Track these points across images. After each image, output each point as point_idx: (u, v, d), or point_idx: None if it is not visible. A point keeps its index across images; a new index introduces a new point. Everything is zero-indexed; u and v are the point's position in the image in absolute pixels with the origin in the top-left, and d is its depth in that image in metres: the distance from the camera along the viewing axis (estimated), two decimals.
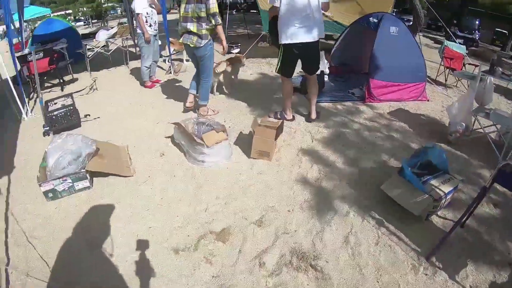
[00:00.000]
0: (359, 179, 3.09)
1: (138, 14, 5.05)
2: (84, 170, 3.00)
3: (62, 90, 6.08)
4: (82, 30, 15.22)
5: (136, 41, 5.52)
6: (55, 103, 4.68)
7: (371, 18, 5.00)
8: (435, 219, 2.62)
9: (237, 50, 7.55)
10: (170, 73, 6.43)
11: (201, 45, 3.86)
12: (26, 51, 6.43)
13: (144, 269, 2.21)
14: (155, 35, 5.45)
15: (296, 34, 3.51)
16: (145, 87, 5.81)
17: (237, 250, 2.33)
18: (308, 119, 4.17)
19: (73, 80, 6.64)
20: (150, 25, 5.28)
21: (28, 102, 5.47)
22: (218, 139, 3.27)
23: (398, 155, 3.48)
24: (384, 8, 6.37)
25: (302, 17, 3.44)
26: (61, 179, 2.90)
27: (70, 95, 4.81)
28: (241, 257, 2.28)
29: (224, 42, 4.08)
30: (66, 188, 2.93)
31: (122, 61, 7.53)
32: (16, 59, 4.99)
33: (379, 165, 3.32)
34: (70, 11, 18.82)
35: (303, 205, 2.77)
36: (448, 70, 5.64)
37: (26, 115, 4.90)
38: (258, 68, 6.55)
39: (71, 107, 4.34)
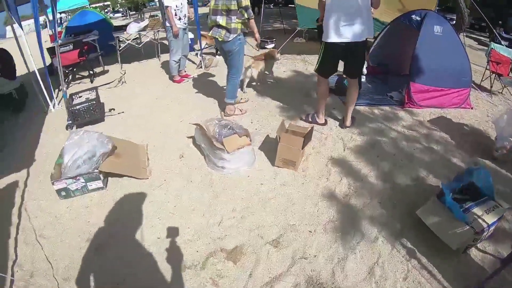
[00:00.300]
0: (392, 198, 2.79)
1: (167, 7, 4.97)
2: (97, 170, 2.94)
3: (91, 82, 6.19)
4: (119, 22, 15.74)
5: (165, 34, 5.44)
6: (80, 96, 4.70)
7: (413, 16, 4.59)
8: (473, 252, 2.28)
9: (271, 46, 7.32)
10: (201, 67, 6.34)
11: (229, 39, 3.71)
12: (59, 42, 6.63)
13: (146, 284, 2.09)
14: (184, 29, 5.35)
15: (341, 31, 3.22)
16: (173, 82, 5.75)
17: (248, 274, 2.13)
18: (342, 125, 3.88)
19: (103, 72, 6.76)
20: (180, 18, 5.18)
21: (57, 94, 5.61)
22: (240, 144, 3.09)
23: (437, 171, 3.12)
24: (427, 5, 5.87)
25: (349, 13, 3.13)
26: (74, 179, 2.86)
27: (95, 88, 4.83)
28: (250, 282, 2.07)
29: (257, 35, 3.98)
30: (79, 188, 2.90)
31: (154, 54, 7.57)
32: (44, 51, 5.05)
33: (415, 182, 2.99)
34: (109, 2, 19.42)
35: (327, 225, 2.52)
36: (494, 75, 5.09)
37: (53, 107, 5.00)
38: (292, 65, 6.29)
39: (94, 102, 4.34)
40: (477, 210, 2.29)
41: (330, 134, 3.77)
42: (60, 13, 13.07)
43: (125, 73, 6.17)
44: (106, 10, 18.20)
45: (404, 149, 3.50)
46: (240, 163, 3.12)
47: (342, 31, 3.21)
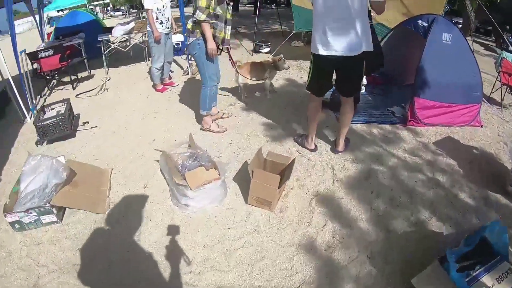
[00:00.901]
0: (385, 251, 2.29)
1: (146, 9, 4.50)
2: (49, 204, 2.60)
3: (74, 88, 5.80)
4: (119, 20, 15.28)
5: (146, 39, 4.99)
6: (52, 109, 4.33)
7: (420, 21, 4.02)
8: None
9: (266, 50, 6.80)
10: (188, 74, 5.86)
11: (189, 42, 3.38)
12: (42, 46, 6.25)
13: None
14: (167, 34, 4.87)
15: (330, 43, 2.66)
16: (156, 91, 5.30)
17: None
18: (334, 149, 3.37)
19: (89, 77, 6.38)
20: (161, 23, 4.70)
21: (38, 101, 5.25)
22: (206, 179, 2.61)
23: (442, 211, 2.61)
24: (434, 8, 5.25)
25: (340, 20, 2.58)
26: (26, 212, 2.56)
27: (67, 101, 4.42)
28: None
29: (209, 43, 3.26)
30: (33, 221, 2.60)
31: (143, 57, 7.13)
32: (19, 56, 4.64)
33: (414, 228, 2.48)
34: (108, 0, 18.94)
35: None
36: (506, 87, 4.50)
37: (30, 118, 4.63)
38: (286, 72, 5.74)
39: (62, 117, 3.92)
40: (486, 279, 1.88)
41: (319, 161, 3.26)
42: (58, 11, 12.73)
43: (107, 79, 5.74)
44: (107, 8, 17.74)
45: (404, 181, 2.98)
46: (207, 200, 2.66)
47: (331, 42, 2.67)
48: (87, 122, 4.41)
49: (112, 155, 3.58)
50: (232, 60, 4.17)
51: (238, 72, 4.35)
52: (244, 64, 4.50)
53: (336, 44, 2.66)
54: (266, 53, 6.74)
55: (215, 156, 3.36)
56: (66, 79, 5.99)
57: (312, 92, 3.12)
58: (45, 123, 3.87)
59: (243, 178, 2.96)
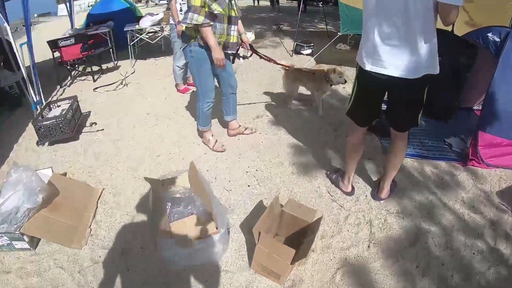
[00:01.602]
0: None
1: (170, 0, 3.90)
2: (19, 232, 2.21)
3: (94, 81, 5.40)
4: (162, 9, 14.84)
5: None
6: (58, 106, 3.94)
7: (490, 35, 3.06)
8: None
9: (308, 51, 6.01)
10: None
11: (181, 48, 2.82)
12: (68, 33, 5.92)
13: None
14: None
15: (380, 55, 1.89)
16: (177, 91, 4.73)
17: None
18: (375, 195, 2.59)
19: (114, 68, 5.98)
20: None
21: (57, 92, 5.04)
22: (197, 235, 1.98)
23: None
24: (502, 19, 4.15)
25: (396, 25, 1.78)
26: None
27: (73, 98, 3.97)
28: None
29: (214, 52, 2.60)
30: (5, 244, 2.29)
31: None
32: (18, 49, 4.23)
33: None
34: None
35: None
36: None
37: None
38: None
39: (62, 118, 3.46)
40: None
41: (355, 210, 2.51)
42: None
43: (126, 75, 5.26)
44: None
45: (459, 252, 2.19)
46: (198, 260, 2.02)
47: (382, 56, 1.90)
48: (95, 123, 3.98)
49: (108, 170, 3.10)
50: (268, 57, 3.45)
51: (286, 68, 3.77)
52: (295, 69, 3.83)
53: (387, 59, 1.88)
54: (307, 55, 5.95)
55: (224, 188, 2.72)
56: (92, 69, 5.63)
57: (353, 120, 2.35)
58: (44, 123, 3.48)
59: (254, 224, 2.29)
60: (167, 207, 2.15)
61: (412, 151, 3.21)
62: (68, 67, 5.38)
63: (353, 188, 2.64)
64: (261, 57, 3.37)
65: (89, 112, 4.28)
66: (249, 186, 2.76)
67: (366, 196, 2.63)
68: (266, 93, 4.51)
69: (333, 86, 4.60)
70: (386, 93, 2.20)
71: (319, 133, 3.53)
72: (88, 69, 5.63)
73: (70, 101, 3.87)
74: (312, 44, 6.02)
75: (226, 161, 3.09)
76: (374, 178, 2.81)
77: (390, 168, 2.40)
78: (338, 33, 5.10)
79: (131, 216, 2.55)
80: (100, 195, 2.77)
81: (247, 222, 2.41)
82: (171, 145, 3.40)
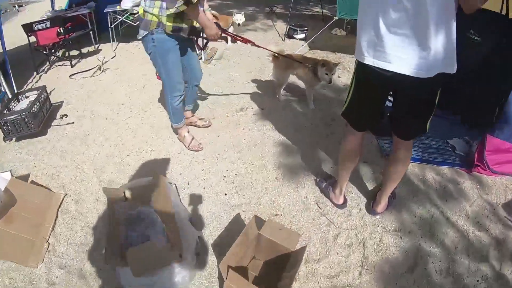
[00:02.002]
0: None
1: None
2: None
3: (72, 66, 4.91)
4: None
5: None
6: (27, 97, 3.51)
7: None
8: None
9: (301, 36, 5.48)
10: (201, 59, 4.74)
11: (140, 37, 2.25)
12: (46, 15, 5.38)
13: None
14: None
15: (385, 47, 1.46)
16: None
17: None
18: (371, 209, 2.20)
19: (95, 52, 5.45)
20: None
21: (32, 79, 4.53)
22: (156, 263, 1.58)
23: None
24: None
25: (403, 11, 1.36)
26: None
27: (41, 88, 3.51)
28: None
29: (210, 29, 2.27)
30: None
31: None
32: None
33: None
34: None
35: None
36: None
37: None
38: None
39: (27, 112, 3.02)
40: None
41: (346, 227, 2.13)
42: None
43: (104, 61, 4.75)
44: None
45: (462, 279, 1.86)
46: None
47: (387, 48, 1.47)
48: (66, 116, 3.54)
49: (73, 171, 2.71)
50: (238, 37, 2.88)
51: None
52: (285, 55, 3.36)
53: (393, 52, 1.46)
54: (300, 39, 5.43)
55: (197, 197, 2.32)
56: (72, 53, 5.14)
57: (349, 122, 1.93)
58: (8, 118, 3.04)
59: (229, 244, 1.90)
60: (124, 229, 1.75)
61: (413, 154, 2.80)
62: (45, 52, 4.86)
63: (345, 199, 2.25)
64: (235, 39, 2.93)
65: (62, 102, 3.82)
66: (226, 194, 2.37)
67: (360, 209, 2.24)
68: (254, 81, 4.06)
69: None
70: (387, 93, 1.77)
71: (310, 129, 3.11)
72: (71, 53, 5.12)
73: (37, 92, 3.41)
74: (306, 28, 5.50)
75: (203, 162, 2.68)
76: (370, 187, 2.42)
77: (390, 181, 2.00)
78: (334, 17, 4.60)
79: (92, 229, 2.20)
80: (61, 202, 2.41)
81: (221, 240, 2.03)
82: (143, 142, 2.98)
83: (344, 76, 4.17)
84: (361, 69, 1.67)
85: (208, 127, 3.10)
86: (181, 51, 2.37)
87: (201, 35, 2.46)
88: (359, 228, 2.11)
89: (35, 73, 4.80)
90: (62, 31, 4.92)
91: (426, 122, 1.72)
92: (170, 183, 2.12)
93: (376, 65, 1.53)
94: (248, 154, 2.76)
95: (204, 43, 2.77)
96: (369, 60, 1.55)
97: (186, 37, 2.31)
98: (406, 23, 1.38)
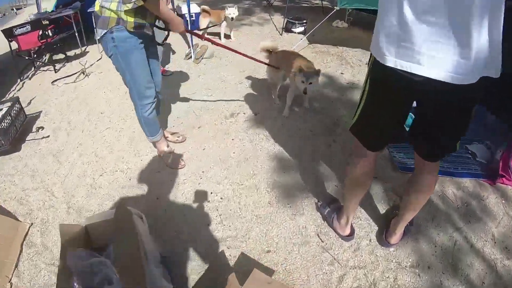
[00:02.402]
0: None
1: None
2: None
3: (56, 71, 4.52)
4: None
5: None
6: (0, 109, 3.10)
7: None
8: None
9: (300, 29, 4.99)
10: (190, 57, 4.30)
11: (98, 38, 1.86)
12: (30, 18, 4.99)
13: None
14: None
15: (414, 43, 1.03)
16: None
17: None
18: (383, 240, 1.77)
19: (81, 55, 5.05)
20: None
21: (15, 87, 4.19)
22: None
23: None
24: None
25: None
26: None
27: (14, 100, 3.13)
28: None
29: (177, 26, 1.94)
30: None
31: None
32: None
33: None
34: None
35: None
36: None
37: None
38: (322, 62, 4.00)
39: None
40: None
41: (353, 265, 1.72)
42: None
43: (85, 65, 4.36)
44: None
45: None
46: None
47: (418, 43, 1.02)
48: (42, 128, 3.18)
49: (42, 195, 2.34)
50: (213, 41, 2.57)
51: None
52: (280, 52, 2.96)
53: (425, 50, 1.02)
54: (299, 33, 4.94)
55: (174, 231, 1.91)
56: (58, 57, 4.77)
57: (360, 139, 1.47)
58: None
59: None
60: (74, 285, 1.35)
61: None
62: (28, 58, 4.49)
63: (352, 230, 1.82)
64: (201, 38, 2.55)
65: (40, 112, 3.44)
66: (208, 225, 1.94)
67: (370, 240, 1.81)
68: (248, 81, 3.63)
69: (328, 71, 3.73)
70: (410, 104, 1.32)
71: (309, 138, 2.67)
72: (57, 57, 4.76)
73: (9, 104, 3.02)
74: (305, 21, 5.00)
75: (184, 183, 2.26)
76: (381, 209, 1.99)
77: (409, 210, 1.57)
78: (335, 8, 4.10)
79: (57, 268, 1.80)
80: (27, 233, 2.06)
81: (202, 286, 1.62)
82: (119, 158, 2.58)
83: (347, 73, 3.70)
84: (378, 72, 1.22)
85: (181, 142, 2.66)
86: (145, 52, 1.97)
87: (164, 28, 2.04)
88: (369, 266, 1.68)
89: (19, 80, 4.45)
90: (49, 33, 4.54)
91: (459, 139, 1.27)
92: (141, 217, 1.72)
93: (401, 68, 1.08)
94: (237, 172, 2.33)
95: (165, 37, 2.35)
96: (390, 61, 1.10)
97: (151, 34, 1.90)
98: (441, 8, 0.93)
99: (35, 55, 4.57)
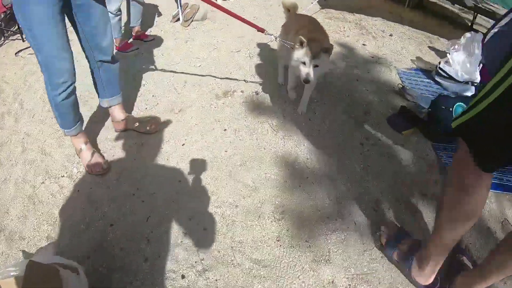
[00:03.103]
0: None
1: None
2: None
3: (23, 40, 3.66)
4: None
5: None
6: None
7: None
8: None
9: None
10: (178, 20, 3.37)
11: None
12: None
13: None
14: None
15: None
16: (115, 49, 2.94)
17: None
18: None
19: None
20: None
21: None
22: None
23: None
24: None
25: None
26: None
27: None
28: None
29: None
30: None
31: None
32: None
33: None
34: None
35: None
36: None
37: None
38: (338, 31, 3.05)
39: None
40: None
41: None
42: None
43: None
44: None
45: None
46: None
47: None
48: None
49: None
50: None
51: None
52: (296, 16, 2.05)
53: None
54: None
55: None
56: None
57: (475, 150, 0.81)
58: None
59: None
60: None
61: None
62: None
63: (437, 280, 1.07)
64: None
65: None
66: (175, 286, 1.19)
67: None
68: (247, 49, 2.78)
69: (347, 40, 2.85)
70: None
71: (332, 134, 1.84)
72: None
73: None
74: None
75: (149, 202, 1.47)
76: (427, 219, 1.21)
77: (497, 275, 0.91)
78: None
79: None
80: None
81: None
82: (68, 158, 1.80)
83: (370, 44, 2.83)
84: None
85: (153, 133, 1.85)
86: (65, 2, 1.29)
87: None
88: None
89: None
90: None
91: None
92: (76, 271, 0.98)
93: None
94: (229, 185, 1.54)
95: None
96: None
97: None
98: None
99: (2, 24, 3.72)
